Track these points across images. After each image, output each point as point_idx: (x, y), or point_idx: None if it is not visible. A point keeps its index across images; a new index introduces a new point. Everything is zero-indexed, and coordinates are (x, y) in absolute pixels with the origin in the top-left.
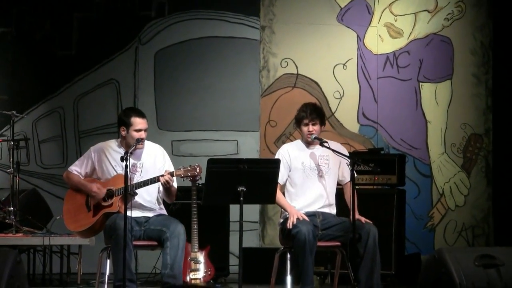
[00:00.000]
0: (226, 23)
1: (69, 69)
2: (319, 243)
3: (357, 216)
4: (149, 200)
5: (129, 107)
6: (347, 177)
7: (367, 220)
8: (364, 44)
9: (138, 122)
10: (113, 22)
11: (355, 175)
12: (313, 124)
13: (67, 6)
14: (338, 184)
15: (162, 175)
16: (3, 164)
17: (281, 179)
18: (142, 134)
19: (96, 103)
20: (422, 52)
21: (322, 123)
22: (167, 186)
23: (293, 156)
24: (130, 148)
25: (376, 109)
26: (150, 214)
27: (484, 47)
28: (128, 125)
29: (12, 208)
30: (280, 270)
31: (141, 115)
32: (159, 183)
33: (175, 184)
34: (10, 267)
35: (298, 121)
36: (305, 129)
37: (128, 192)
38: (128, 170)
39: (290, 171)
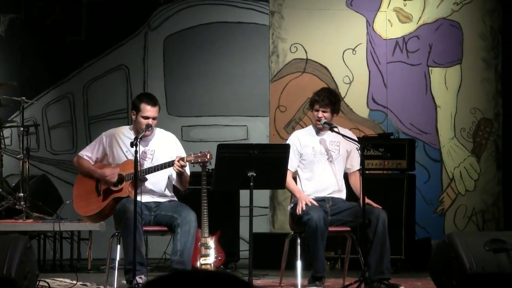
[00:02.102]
0: (235, 8)
1: (78, 54)
2: (329, 228)
3: (368, 201)
4: (158, 186)
5: (145, 92)
6: (355, 166)
7: (378, 206)
8: (373, 29)
9: (147, 110)
10: (122, 8)
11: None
12: (323, 111)
13: None
14: (344, 172)
15: (174, 161)
16: (13, 150)
17: (292, 166)
18: (149, 122)
19: (105, 88)
20: (431, 36)
21: (334, 111)
22: (181, 172)
23: (303, 143)
24: (139, 133)
25: (386, 94)
26: (161, 200)
27: (493, 32)
28: (138, 109)
29: (22, 194)
30: (290, 255)
31: (152, 103)
32: (171, 170)
33: (188, 171)
34: (21, 253)
35: (311, 104)
36: (315, 114)
37: (138, 177)
38: (138, 155)
39: (300, 157)
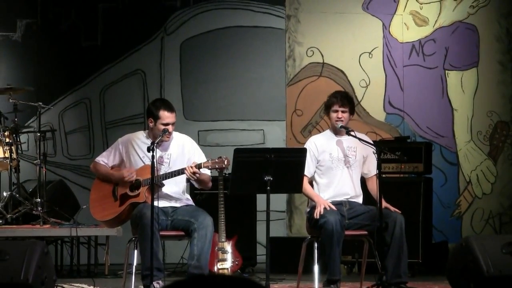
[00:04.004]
0: (251, 13)
1: (95, 59)
2: (346, 232)
3: (386, 204)
4: (176, 191)
5: (159, 98)
6: (372, 171)
7: (396, 209)
8: (389, 32)
9: (166, 116)
10: (138, 12)
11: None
12: (342, 112)
13: None
14: (361, 177)
15: (190, 166)
16: (30, 156)
17: (309, 172)
18: (170, 128)
19: (122, 93)
20: (447, 40)
21: (352, 112)
22: (193, 179)
23: (320, 149)
24: (157, 139)
25: (402, 97)
26: (177, 204)
27: (509, 34)
28: (156, 117)
29: (39, 200)
30: (307, 259)
31: (170, 109)
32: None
33: (208, 172)
34: (38, 258)
35: (328, 107)
36: (334, 115)
37: (155, 182)
38: (154, 160)
39: (317, 163)
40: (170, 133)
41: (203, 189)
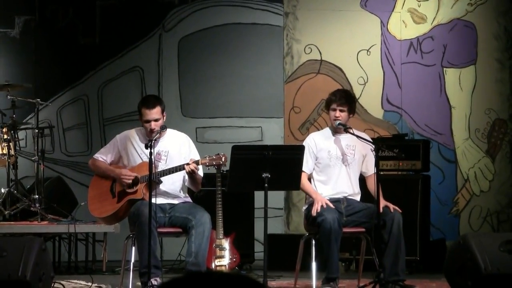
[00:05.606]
0: (250, 10)
1: (93, 56)
2: (344, 229)
3: (385, 202)
4: (173, 188)
5: (145, 96)
6: (370, 170)
7: (396, 207)
8: (387, 30)
9: (146, 114)
10: (136, 10)
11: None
12: (340, 110)
13: None
14: (360, 175)
15: (187, 164)
16: (28, 152)
17: (308, 168)
18: (151, 125)
19: (120, 90)
20: (445, 37)
21: (351, 111)
22: (192, 175)
23: (319, 146)
24: (152, 136)
25: (400, 95)
26: (175, 201)
27: (508, 32)
28: (140, 115)
29: (37, 196)
30: (305, 257)
31: (148, 106)
32: (184, 171)
33: (200, 173)
34: (36, 254)
35: (327, 105)
36: (332, 113)
37: (152, 179)
38: (152, 157)
39: (316, 160)
40: (152, 131)
41: (192, 190)
